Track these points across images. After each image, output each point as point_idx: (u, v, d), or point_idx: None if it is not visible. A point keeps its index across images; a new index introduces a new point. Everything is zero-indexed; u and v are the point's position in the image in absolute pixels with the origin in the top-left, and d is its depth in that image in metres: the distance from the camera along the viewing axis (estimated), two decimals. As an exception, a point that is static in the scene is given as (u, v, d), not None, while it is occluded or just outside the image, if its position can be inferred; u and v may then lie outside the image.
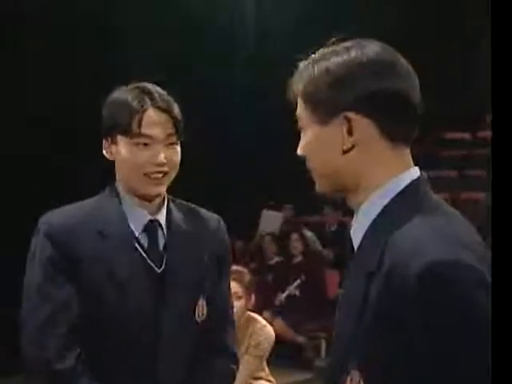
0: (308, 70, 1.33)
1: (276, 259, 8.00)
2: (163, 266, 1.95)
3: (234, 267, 4.21)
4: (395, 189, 1.29)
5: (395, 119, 1.28)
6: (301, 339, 6.99)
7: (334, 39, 1.36)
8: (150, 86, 1.93)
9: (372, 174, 1.29)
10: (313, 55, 1.35)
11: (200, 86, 8.84)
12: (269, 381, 4.10)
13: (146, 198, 1.95)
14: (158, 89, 1.93)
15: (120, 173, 1.95)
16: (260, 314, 6.55)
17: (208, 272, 2.02)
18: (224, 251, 2.09)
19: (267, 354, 4.00)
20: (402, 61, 1.32)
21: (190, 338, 1.99)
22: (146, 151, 1.88)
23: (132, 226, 1.94)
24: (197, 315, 1.99)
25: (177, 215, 2.01)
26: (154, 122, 1.87)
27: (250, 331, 3.94)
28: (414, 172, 1.32)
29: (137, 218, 1.94)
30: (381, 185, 1.29)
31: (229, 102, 9.86)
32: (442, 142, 10.65)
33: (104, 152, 1.95)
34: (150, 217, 1.96)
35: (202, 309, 2.00)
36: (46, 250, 1.88)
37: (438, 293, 1.12)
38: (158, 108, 1.88)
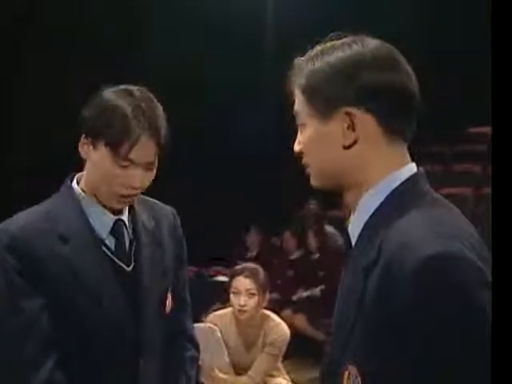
0: (308, 65, 1.33)
1: (297, 254, 8.01)
2: (132, 264, 1.93)
3: (248, 264, 4.23)
4: (392, 184, 1.29)
5: (395, 114, 1.29)
6: (320, 335, 6.97)
7: (331, 35, 1.37)
8: (144, 102, 1.84)
9: (371, 169, 1.30)
10: (311, 51, 1.36)
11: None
12: (284, 379, 4.10)
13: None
14: (151, 104, 1.85)
15: (90, 176, 1.90)
16: (281, 309, 6.61)
17: (170, 263, 2.03)
18: (180, 240, 2.11)
19: (283, 351, 3.99)
20: (400, 56, 1.33)
21: (163, 330, 2.00)
22: (125, 172, 1.83)
23: (97, 229, 1.90)
24: (166, 307, 2.01)
25: (138, 210, 2.00)
26: (142, 149, 1.82)
27: (264, 329, 3.93)
28: (412, 168, 1.32)
29: (101, 220, 1.90)
30: (379, 181, 1.30)
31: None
32: (467, 137, 10.55)
33: (79, 147, 1.88)
34: (114, 217, 1.92)
35: (169, 300, 2.02)
36: (8, 260, 1.80)
37: (433, 287, 1.12)
38: (150, 135, 1.82)
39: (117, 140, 1.80)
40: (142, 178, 1.85)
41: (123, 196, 1.86)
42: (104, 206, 1.90)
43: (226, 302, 4.07)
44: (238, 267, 4.04)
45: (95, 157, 1.85)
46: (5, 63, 8.30)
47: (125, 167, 1.82)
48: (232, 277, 3.92)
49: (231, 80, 9.42)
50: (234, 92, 9.47)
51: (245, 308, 3.81)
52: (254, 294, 3.81)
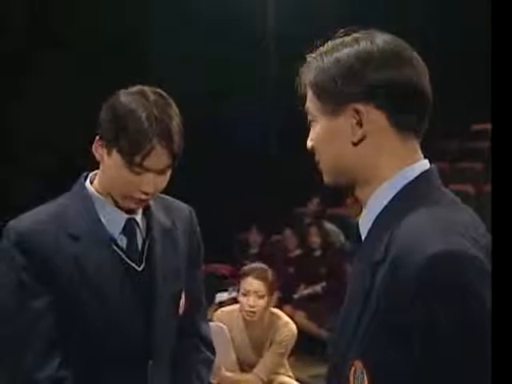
0: (317, 61, 1.32)
1: (297, 252, 8.02)
2: (143, 264, 1.91)
3: (257, 264, 4.20)
4: (403, 180, 1.28)
5: (405, 109, 1.27)
6: (322, 333, 6.98)
7: (341, 31, 1.35)
8: (159, 108, 1.80)
9: (381, 165, 1.28)
10: (322, 47, 1.35)
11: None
12: (288, 376, 4.10)
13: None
14: (167, 109, 1.81)
15: (104, 178, 1.88)
16: (282, 307, 6.61)
17: (185, 263, 2.00)
18: (197, 240, 2.08)
19: (289, 350, 3.99)
20: (411, 51, 1.31)
21: (176, 331, 1.98)
22: (138, 178, 1.80)
23: (108, 228, 1.87)
24: (180, 308, 1.98)
25: (154, 209, 1.96)
26: (155, 157, 1.79)
27: (273, 328, 3.93)
28: (423, 164, 1.31)
29: (113, 219, 1.88)
30: (389, 176, 1.28)
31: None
32: (469, 134, 10.53)
33: (94, 148, 1.86)
34: (126, 216, 1.90)
35: (183, 301, 1.99)
36: (17, 258, 1.79)
37: (435, 285, 1.12)
38: (164, 144, 1.78)
39: (130, 150, 1.77)
40: (155, 182, 1.82)
41: (137, 199, 1.84)
42: (118, 206, 1.89)
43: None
44: (246, 267, 4.01)
45: (109, 161, 1.83)
46: (5, 63, 8.32)
47: (138, 173, 1.80)
48: (241, 277, 3.90)
49: (231, 80, 9.44)
50: (234, 92, 9.49)
51: (254, 309, 3.81)
52: (263, 296, 3.81)
